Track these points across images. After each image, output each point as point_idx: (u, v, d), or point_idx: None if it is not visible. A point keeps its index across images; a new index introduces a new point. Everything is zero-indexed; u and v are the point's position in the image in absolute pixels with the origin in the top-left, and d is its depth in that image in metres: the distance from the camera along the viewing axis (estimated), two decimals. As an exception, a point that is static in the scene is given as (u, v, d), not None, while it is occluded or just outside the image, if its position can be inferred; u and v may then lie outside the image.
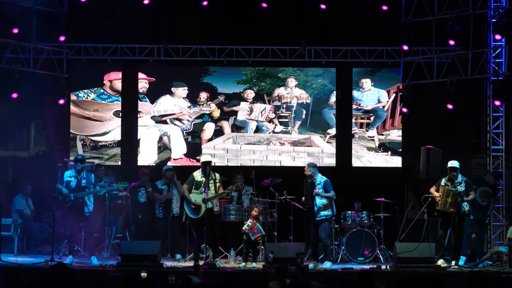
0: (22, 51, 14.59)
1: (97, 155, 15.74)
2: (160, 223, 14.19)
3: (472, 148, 15.75)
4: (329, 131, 16.04)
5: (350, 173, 15.78)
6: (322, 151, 15.99)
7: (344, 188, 14.84)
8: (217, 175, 12.92)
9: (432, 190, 13.04)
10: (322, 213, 12.91)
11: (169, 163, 15.38)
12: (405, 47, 14.77)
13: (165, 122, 16.05)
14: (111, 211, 14.01)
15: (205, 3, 15.14)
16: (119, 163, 15.91)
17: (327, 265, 12.87)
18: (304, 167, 13.28)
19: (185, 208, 12.97)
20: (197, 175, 12.85)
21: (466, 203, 12.84)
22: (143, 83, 15.99)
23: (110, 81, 15.99)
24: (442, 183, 12.87)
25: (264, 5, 15.05)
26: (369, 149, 16.01)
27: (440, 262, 12.76)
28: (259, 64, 15.92)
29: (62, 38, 14.56)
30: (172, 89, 16.03)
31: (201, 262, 12.54)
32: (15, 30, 13.96)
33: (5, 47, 14.43)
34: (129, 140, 15.91)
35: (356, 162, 15.97)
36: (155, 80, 16.02)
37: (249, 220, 13.11)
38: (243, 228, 13.01)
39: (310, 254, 13.34)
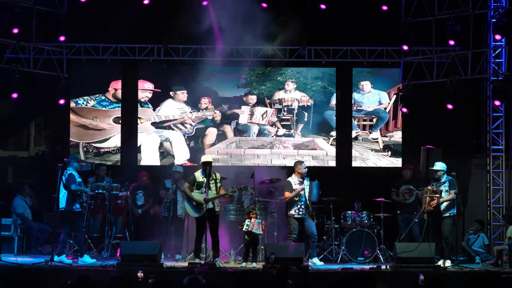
0: (22, 51, 14.59)
1: (101, 161, 15.70)
2: (162, 222, 14.22)
3: (472, 148, 15.76)
4: (332, 133, 16.03)
5: (350, 173, 15.78)
6: (327, 154, 15.99)
7: (344, 188, 14.88)
8: (218, 175, 12.93)
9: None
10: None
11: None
12: (405, 47, 14.75)
13: (166, 127, 16.01)
14: (111, 211, 14.01)
15: (205, 3, 15.13)
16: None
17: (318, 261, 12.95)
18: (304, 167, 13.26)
19: (186, 206, 12.98)
20: (198, 175, 12.87)
21: (444, 203, 12.97)
22: (146, 93, 15.96)
23: (115, 89, 15.97)
24: (430, 184, 13.02)
25: (264, 5, 15.04)
26: (374, 151, 16.01)
27: (441, 262, 12.78)
28: (259, 64, 15.90)
29: (62, 38, 14.53)
30: (171, 93, 16.01)
31: (201, 262, 12.56)
32: (15, 30, 13.95)
33: (5, 47, 14.43)
34: (130, 146, 15.88)
35: (361, 165, 15.97)
36: (155, 85, 15.98)
37: (246, 220, 13.07)
38: (244, 229, 12.98)
39: (309, 254, 13.33)
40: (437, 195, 12.92)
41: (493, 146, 15.20)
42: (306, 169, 13.16)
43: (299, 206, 12.94)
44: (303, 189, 13.02)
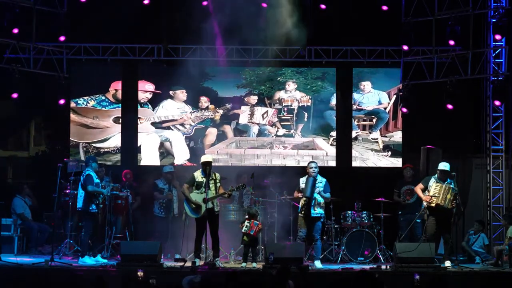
0: (22, 51, 14.59)
1: (100, 161, 15.66)
2: (160, 223, 14.21)
3: (472, 148, 15.76)
4: (332, 133, 16.03)
5: (350, 173, 15.78)
6: (327, 154, 15.99)
7: (344, 188, 14.87)
8: (217, 175, 12.92)
9: (419, 188, 13.05)
10: (318, 210, 12.91)
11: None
12: (405, 47, 14.75)
13: (166, 128, 16.01)
14: (111, 211, 14.00)
15: (205, 3, 15.14)
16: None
17: (318, 264, 12.88)
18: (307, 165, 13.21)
19: (185, 207, 12.97)
20: (198, 175, 12.86)
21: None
22: (146, 94, 15.97)
23: (116, 90, 15.98)
24: (434, 181, 12.86)
25: (264, 5, 15.05)
26: (374, 151, 16.00)
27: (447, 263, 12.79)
28: (259, 64, 15.90)
29: (62, 38, 14.53)
30: (171, 92, 16.02)
31: (201, 262, 12.56)
32: (15, 30, 13.95)
33: (5, 47, 14.43)
34: (130, 146, 15.88)
35: (361, 165, 15.97)
36: (155, 85, 15.98)
37: (246, 221, 13.07)
38: (243, 230, 12.99)
39: (309, 254, 13.33)
40: (457, 198, 12.87)
41: (493, 146, 15.20)
42: (313, 169, 12.99)
43: (302, 205, 12.95)
44: (299, 197, 12.98)
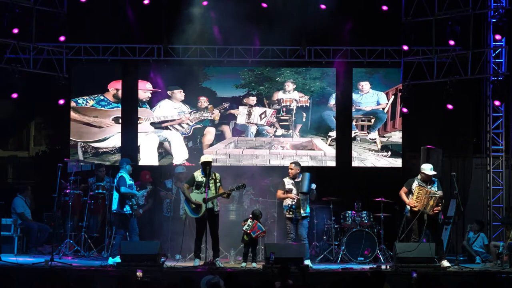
0: (22, 51, 14.59)
1: (99, 161, 15.67)
2: (163, 222, 14.21)
3: (472, 148, 15.76)
4: (330, 134, 16.03)
5: (350, 173, 15.78)
6: (325, 154, 15.98)
7: (344, 188, 14.87)
8: (217, 175, 12.92)
9: (403, 192, 12.92)
10: (308, 209, 12.91)
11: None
12: (405, 47, 14.76)
13: (165, 128, 16.00)
14: (111, 211, 13.95)
15: (205, 3, 15.14)
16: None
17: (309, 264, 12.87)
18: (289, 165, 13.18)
19: (185, 207, 12.98)
20: (198, 175, 12.86)
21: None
22: (148, 93, 15.96)
23: (116, 89, 15.96)
24: (417, 184, 12.76)
25: (264, 5, 15.05)
26: (373, 151, 15.98)
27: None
28: (259, 64, 15.91)
29: (62, 38, 14.53)
30: (169, 92, 16.02)
31: (201, 262, 12.55)
32: (15, 30, 13.96)
33: (5, 47, 14.43)
34: (129, 146, 15.88)
35: (359, 165, 15.95)
36: (154, 86, 15.98)
37: (249, 220, 13.08)
38: (244, 228, 12.99)
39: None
40: (441, 202, 12.81)
41: (493, 146, 15.21)
42: (291, 170, 13.01)
43: (289, 206, 12.91)
44: (293, 198, 12.90)
